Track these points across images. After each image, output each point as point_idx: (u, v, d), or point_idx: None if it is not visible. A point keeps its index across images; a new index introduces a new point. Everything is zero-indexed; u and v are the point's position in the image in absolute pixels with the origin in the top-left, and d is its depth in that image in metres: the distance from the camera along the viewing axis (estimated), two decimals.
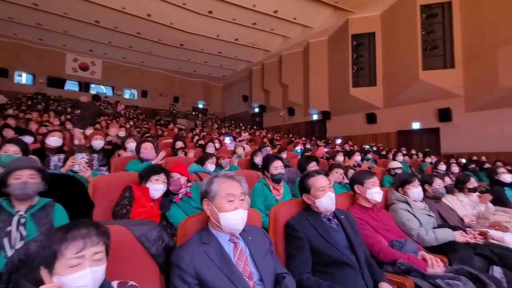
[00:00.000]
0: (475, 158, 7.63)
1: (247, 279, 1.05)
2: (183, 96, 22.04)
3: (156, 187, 1.77)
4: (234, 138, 8.65)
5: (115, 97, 19.17)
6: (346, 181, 3.17)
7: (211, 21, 13.07)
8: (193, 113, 21.21)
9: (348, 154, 4.86)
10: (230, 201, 1.13)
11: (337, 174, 3.15)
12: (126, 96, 20.40)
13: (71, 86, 18.38)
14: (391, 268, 1.61)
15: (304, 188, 1.60)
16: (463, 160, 6.97)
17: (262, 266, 1.10)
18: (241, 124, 17.20)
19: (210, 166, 3.09)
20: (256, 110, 19.37)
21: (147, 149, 2.74)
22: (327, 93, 13.69)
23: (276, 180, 2.36)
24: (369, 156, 6.09)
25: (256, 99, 19.04)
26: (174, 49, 16.31)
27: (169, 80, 21.34)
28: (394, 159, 5.42)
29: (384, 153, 7.73)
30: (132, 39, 15.08)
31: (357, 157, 4.77)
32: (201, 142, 5.47)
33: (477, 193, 3.03)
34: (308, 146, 8.51)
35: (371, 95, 11.65)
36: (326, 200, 1.51)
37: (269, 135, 11.78)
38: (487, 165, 6.21)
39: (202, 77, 22.14)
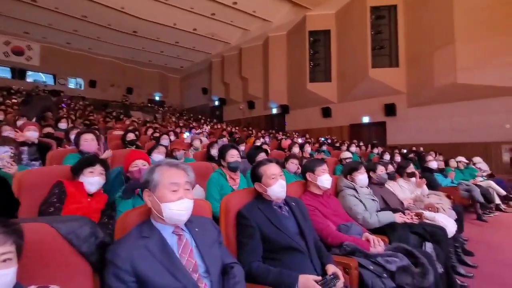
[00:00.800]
0: (414, 149, 8.48)
1: (191, 272, 1.00)
2: (137, 87, 20.71)
3: (91, 180, 1.60)
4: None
5: (58, 87, 17.27)
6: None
7: (167, 9, 12.40)
8: (149, 105, 20.10)
9: (302, 146, 5.05)
10: (173, 190, 1.05)
11: (293, 165, 3.24)
12: (71, 85, 18.52)
13: (3, 72, 16.10)
14: (338, 250, 1.69)
15: (255, 176, 1.59)
16: (404, 151, 7.69)
17: (208, 258, 1.06)
18: (200, 117, 16.79)
19: (156, 156, 2.91)
20: (216, 103, 19.06)
21: (88, 140, 2.47)
22: (286, 87, 13.99)
23: (233, 168, 2.33)
24: (324, 148, 6.40)
25: (216, 92, 18.72)
26: (127, 36, 15.18)
27: (121, 70, 19.85)
28: (348, 150, 5.76)
29: (337, 145, 8.18)
30: (77, 22, 13.65)
31: (307, 148, 4.99)
32: (156, 134, 5.19)
33: (417, 177, 3.36)
34: (267, 139, 8.62)
35: (327, 90, 12.20)
36: (277, 188, 1.51)
37: (228, 128, 11.68)
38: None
39: (158, 67, 21.03)
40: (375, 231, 1.98)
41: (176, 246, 1.04)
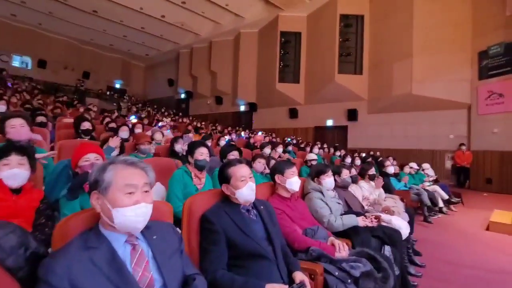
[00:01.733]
0: (372, 153, 9.03)
1: None
2: (95, 72, 19.10)
3: (8, 174, 1.33)
4: (142, 118, 8.01)
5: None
6: (267, 171, 3.23)
7: None
8: (108, 92, 18.66)
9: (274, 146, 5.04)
10: (129, 193, 0.91)
11: (260, 164, 3.19)
12: (16, 64, 16.42)
13: None
14: (305, 255, 1.66)
15: (224, 178, 1.48)
16: (363, 154, 8.14)
17: (167, 270, 0.93)
18: (163, 110, 16.02)
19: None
20: (182, 96, 18.37)
21: (15, 127, 2.08)
22: (255, 85, 13.97)
23: (200, 166, 2.20)
24: (290, 148, 6.48)
25: (183, 85, 18.05)
26: (85, 15, 13.87)
27: (77, 51, 18.13)
28: (311, 151, 5.88)
29: (302, 146, 8.37)
30: None
31: (279, 149, 4.97)
32: (113, 125, 4.76)
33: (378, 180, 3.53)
34: (233, 136, 8.51)
35: (295, 91, 12.43)
36: (247, 191, 1.42)
37: (194, 123, 11.31)
38: (380, 159, 7.40)
39: (120, 53, 19.62)
40: (339, 234, 2.00)
41: (129, 258, 0.89)
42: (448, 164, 9.15)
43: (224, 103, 15.65)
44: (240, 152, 2.97)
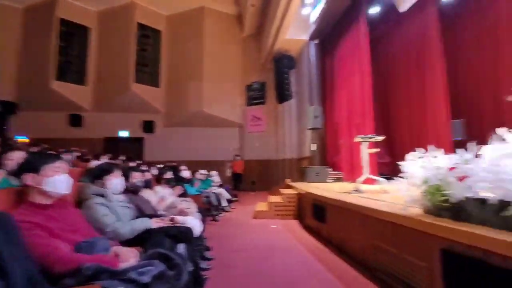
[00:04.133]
0: (168, 164, 9.16)
1: None
2: None
3: None
4: None
5: None
6: None
7: None
8: None
9: None
10: None
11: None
12: None
13: None
14: (74, 279, 1.19)
15: None
16: (161, 166, 8.06)
17: None
18: None
19: None
20: None
21: None
22: (16, 78, 10.17)
23: None
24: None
25: None
26: None
27: None
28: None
29: (88, 158, 6.95)
30: None
31: None
32: None
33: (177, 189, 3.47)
34: None
35: (79, 94, 10.32)
36: None
37: None
38: (176, 165, 7.64)
39: None
40: (132, 241, 1.67)
41: None
42: (228, 172, 11.12)
43: None
44: None
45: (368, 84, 5.66)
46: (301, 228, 4.59)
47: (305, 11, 7.25)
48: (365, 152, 4.11)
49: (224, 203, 6.24)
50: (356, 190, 3.80)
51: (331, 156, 7.46)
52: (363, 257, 2.67)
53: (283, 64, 9.04)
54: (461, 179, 1.62)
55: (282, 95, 9.24)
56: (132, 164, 6.66)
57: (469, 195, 1.58)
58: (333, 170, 6.77)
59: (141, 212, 2.26)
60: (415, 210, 2.00)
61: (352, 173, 5.89)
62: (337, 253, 3.18)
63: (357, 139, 4.13)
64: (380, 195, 3.26)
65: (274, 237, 4.06)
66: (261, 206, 5.73)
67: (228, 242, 3.81)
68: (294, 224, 4.89)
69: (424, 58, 5.20)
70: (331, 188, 4.75)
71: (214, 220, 5.24)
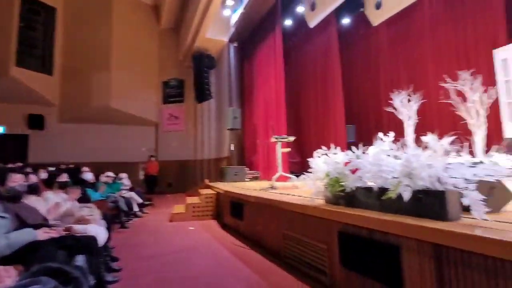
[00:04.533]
0: (63, 167, 7.72)
1: None
2: None
3: None
4: None
5: None
6: None
7: None
8: None
9: None
10: None
11: None
12: None
13: None
14: None
15: None
16: (53, 168, 6.74)
17: None
18: None
19: None
20: None
21: None
22: None
23: None
24: None
25: None
26: None
27: None
28: None
29: None
30: None
31: None
32: None
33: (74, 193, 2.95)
34: None
35: None
36: None
37: None
38: (74, 167, 6.55)
39: None
40: (10, 259, 1.32)
41: None
42: (141, 174, 10.20)
43: None
44: None
45: (281, 89, 6.15)
46: (220, 227, 4.59)
47: (226, 12, 7.35)
48: (280, 152, 4.44)
49: (135, 208, 5.69)
50: (271, 187, 4.05)
51: (248, 156, 7.76)
52: (277, 248, 2.87)
53: (203, 63, 8.92)
54: (353, 171, 1.95)
55: (202, 95, 9.09)
56: (9, 165, 5.39)
57: (359, 184, 1.91)
58: (251, 170, 7.05)
59: (23, 222, 1.83)
60: (320, 201, 2.28)
61: (268, 171, 6.27)
62: (253, 247, 3.31)
63: (273, 139, 4.43)
64: (291, 190, 3.58)
65: (191, 239, 3.94)
66: (178, 209, 5.47)
67: (139, 249, 3.48)
68: (213, 224, 4.86)
69: (327, 70, 6.01)
70: (248, 187, 4.94)
71: (123, 227, 4.70)
